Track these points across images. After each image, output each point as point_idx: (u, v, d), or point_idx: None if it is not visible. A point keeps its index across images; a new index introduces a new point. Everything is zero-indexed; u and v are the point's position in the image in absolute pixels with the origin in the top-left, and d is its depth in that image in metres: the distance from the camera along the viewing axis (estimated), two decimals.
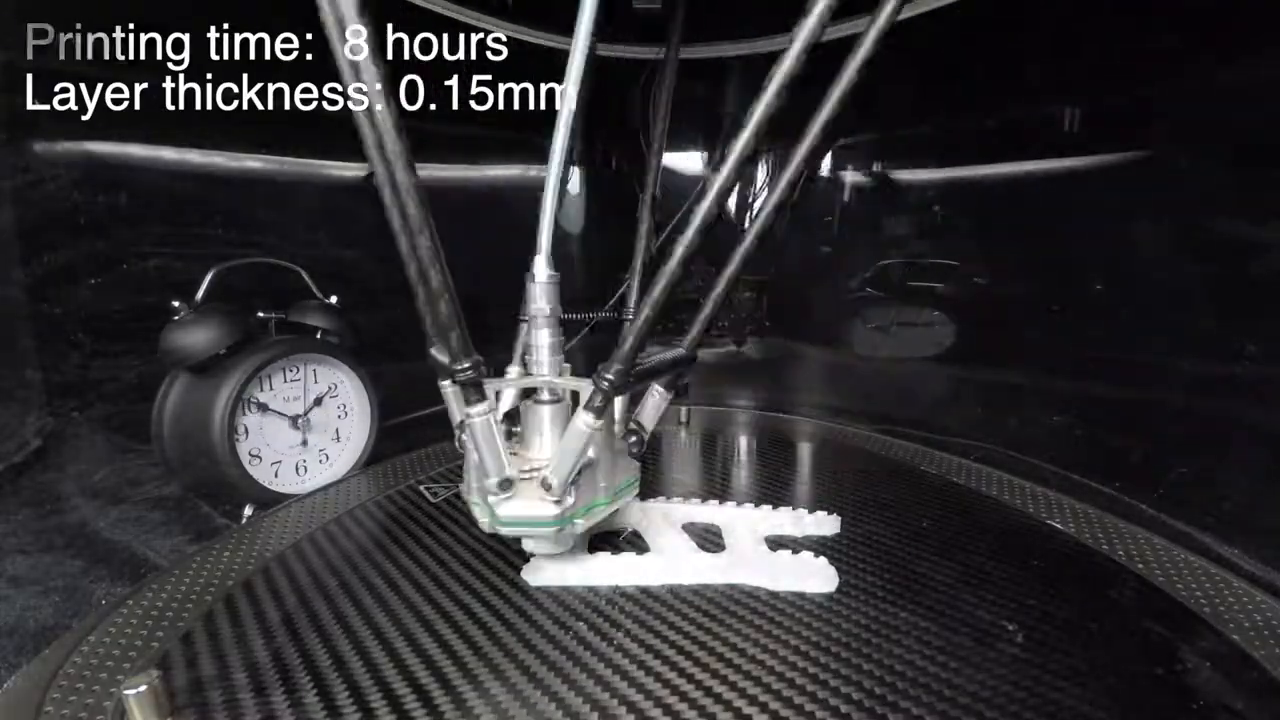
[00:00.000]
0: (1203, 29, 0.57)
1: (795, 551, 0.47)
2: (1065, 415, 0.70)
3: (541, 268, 0.44)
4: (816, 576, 0.44)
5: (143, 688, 0.31)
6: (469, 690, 0.35)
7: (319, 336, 0.67)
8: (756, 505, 0.55)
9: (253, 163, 0.74)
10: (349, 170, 0.83)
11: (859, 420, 0.82)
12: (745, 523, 0.52)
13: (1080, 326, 0.69)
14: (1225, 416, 0.57)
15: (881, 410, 0.86)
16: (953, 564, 0.47)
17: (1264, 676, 0.36)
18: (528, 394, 0.46)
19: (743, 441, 0.76)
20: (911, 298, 0.86)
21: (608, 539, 0.51)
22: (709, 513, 0.54)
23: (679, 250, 0.38)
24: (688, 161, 1.04)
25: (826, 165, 0.96)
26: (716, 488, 0.61)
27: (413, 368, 0.88)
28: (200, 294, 0.60)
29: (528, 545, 0.45)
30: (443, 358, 0.38)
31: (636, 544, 0.49)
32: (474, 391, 0.38)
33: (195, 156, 0.69)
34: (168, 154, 0.67)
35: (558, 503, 0.40)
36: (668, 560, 0.47)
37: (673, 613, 0.41)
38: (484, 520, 0.42)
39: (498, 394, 0.48)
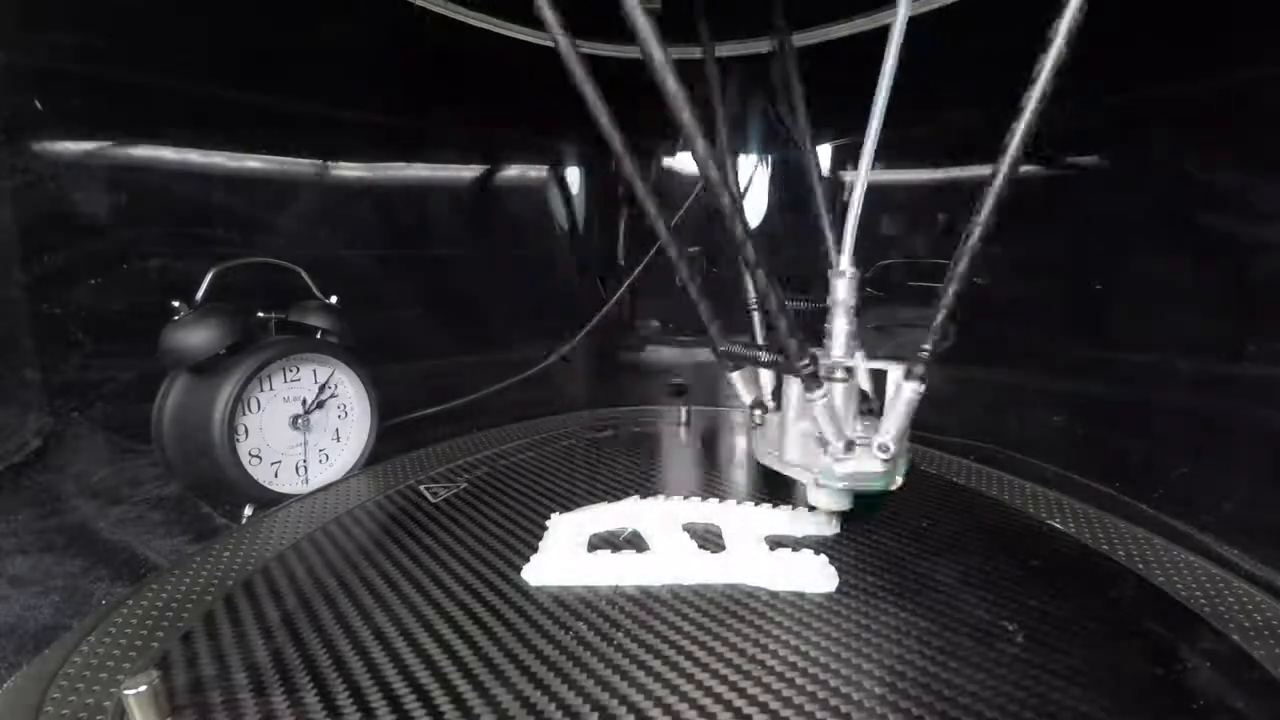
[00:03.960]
0: (1202, 28, 0.57)
1: (795, 551, 0.47)
2: (1065, 415, 0.70)
3: (845, 263, 0.51)
4: (816, 576, 0.44)
5: (143, 688, 0.31)
6: (469, 690, 0.35)
7: (319, 336, 0.67)
8: (756, 505, 0.55)
9: (253, 163, 0.74)
10: (349, 171, 0.83)
11: None
12: (745, 523, 0.52)
13: (1080, 326, 0.69)
14: (1225, 416, 0.57)
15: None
16: (953, 564, 0.47)
17: (1264, 676, 0.36)
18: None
19: (743, 441, 0.76)
20: (911, 298, 0.86)
21: (608, 539, 0.51)
22: (709, 512, 0.54)
23: (978, 227, 0.42)
24: (688, 161, 1.04)
25: (826, 165, 0.97)
26: (716, 488, 0.61)
27: (413, 368, 0.89)
28: (200, 294, 0.60)
29: (819, 501, 0.50)
30: (745, 353, 0.50)
31: (636, 544, 0.49)
32: (814, 380, 0.44)
33: (195, 156, 0.69)
34: (168, 154, 0.67)
35: (886, 461, 0.46)
36: (668, 560, 0.47)
37: (673, 613, 0.41)
38: (807, 479, 0.50)
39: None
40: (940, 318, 0.43)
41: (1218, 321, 0.57)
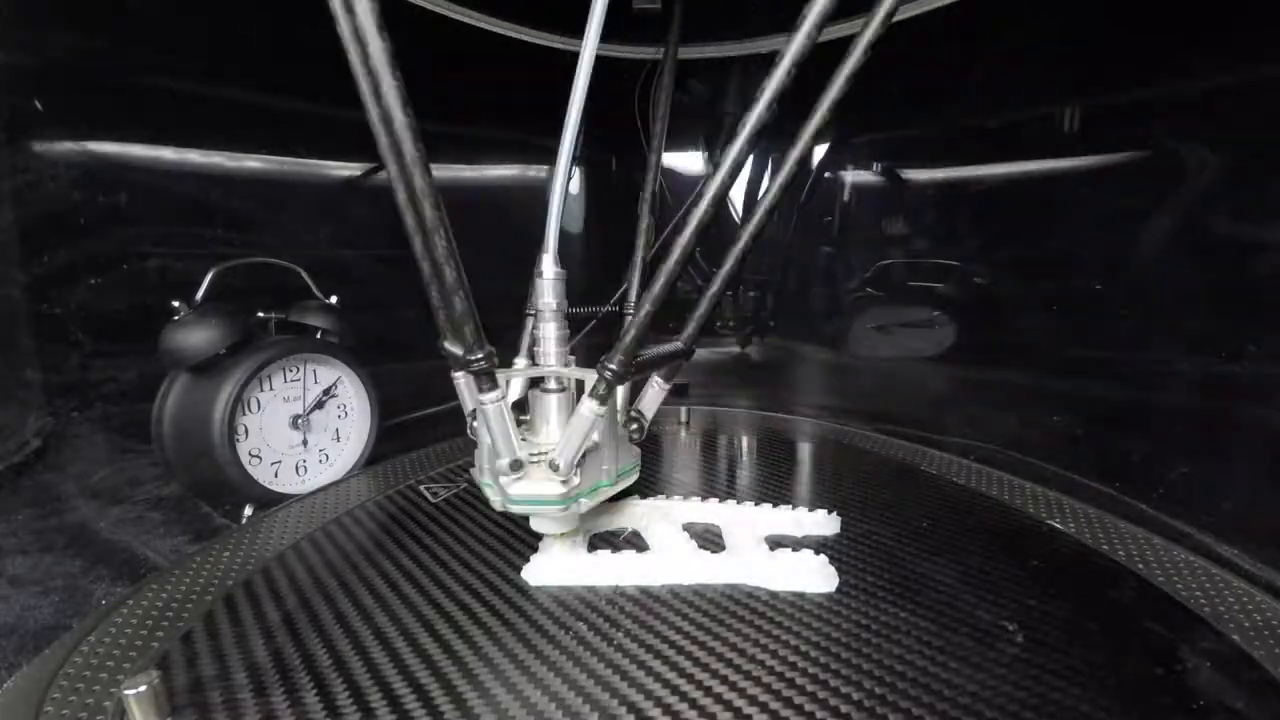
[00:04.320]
0: (1202, 28, 0.57)
1: (795, 551, 0.47)
2: (1065, 415, 0.70)
3: (549, 265, 0.47)
4: (816, 576, 0.44)
5: (143, 688, 0.31)
6: (469, 690, 0.35)
7: (319, 336, 0.67)
8: (756, 505, 0.55)
9: (253, 163, 0.74)
10: (348, 170, 0.83)
11: (859, 420, 0.82)
12: (745, 523, 0.52)
13: (1080, 326, 0.69)
14: (1225, 416, 0.57)
15: (881, 410, 0.86)
16: (953, 564, 0.47)
17: (1264, 676, 0.36)
18: (535, 383, 0.49)
19: (743, 441, 0.76)
20: (911, 298, 0.86)
21: (608, 539, 0.51)
22: (709, 512, 0.54)
23: (677, 249, 0.40)
24: (688, 161, 1.04)
25: (825, 165, 0.97)
26: (716, 488, 0.61)
27: (412, 368, 0.89)
28: (200, 294, 0.60)
29: (535, 524, 0.47)
30: (456, 350, 0.41)
31: (636, 544, 0.49)
32: (487, 380, 0.40)
33: (195, 156, 0.69)
34: (168, 154, 0.67)
35: (564, 483, 0.42)
36: (668, 560, 0.47)
37: (673, 613, 0.41)
38: (495, 500, 0.45)
39: (507, 383, 0.51)
40: (629, 337, 0.40)
41: (1218, 321, 0.57)
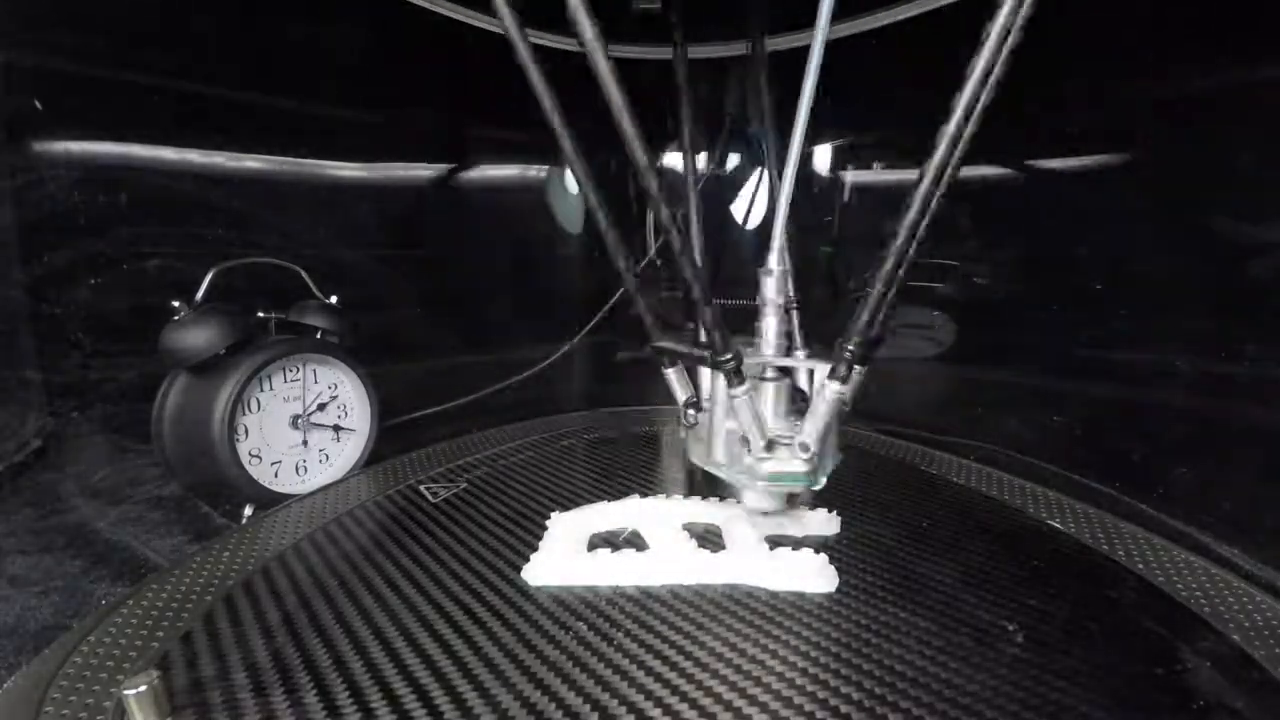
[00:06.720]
0: (1201, 28, 0.57)
1: (795, 551, 0.47)
2: (1065, 415, 0.70)
3: (774, 261, 0.50)
4: (816, 576, 0.44)
5: (143, 688, 0.31)
6: (469, 690, 0.35)
7: (319, 336, 0.67)
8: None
9: (253, 163, 0.74)
10: (348, 170, 0.83)
11: (859, 420, 0.82)
12: (745, 523, 0.52)
13: (1080, 326, 0.69)
14: (1225, 416, 0.57)
15: (881, 410, 0.86)
16: (953, 564, 0.47)
17: (1264, 676, 0.36)
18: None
19: None
20: (912, 298, 0.86)
21: (608, 539, 0.51)
22: (709, 512, 0.54)
23: (903, 229, 0.41)
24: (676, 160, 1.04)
25: (826, 165, 0.97)
26: (716, 488, 0.61)
27: (414, 367, 0.89)
28: (200, 294, 0.60)
29: (749, 499, 0.50)
30: (675, 346, 0.48)
31: (636, 544, 0.49)
32: (736, 376, 0.43)
33: (195, 156, 0.69)
34: (168, 154, 0.67)
35: (807, 460, 0.45)
36: (668, 560, 0.47)
37: (673, 613, 0.41)
38: (739, 480, 0.49)
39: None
40: (863, 319, 0.43)
41: (1218, 321, 0.57)
